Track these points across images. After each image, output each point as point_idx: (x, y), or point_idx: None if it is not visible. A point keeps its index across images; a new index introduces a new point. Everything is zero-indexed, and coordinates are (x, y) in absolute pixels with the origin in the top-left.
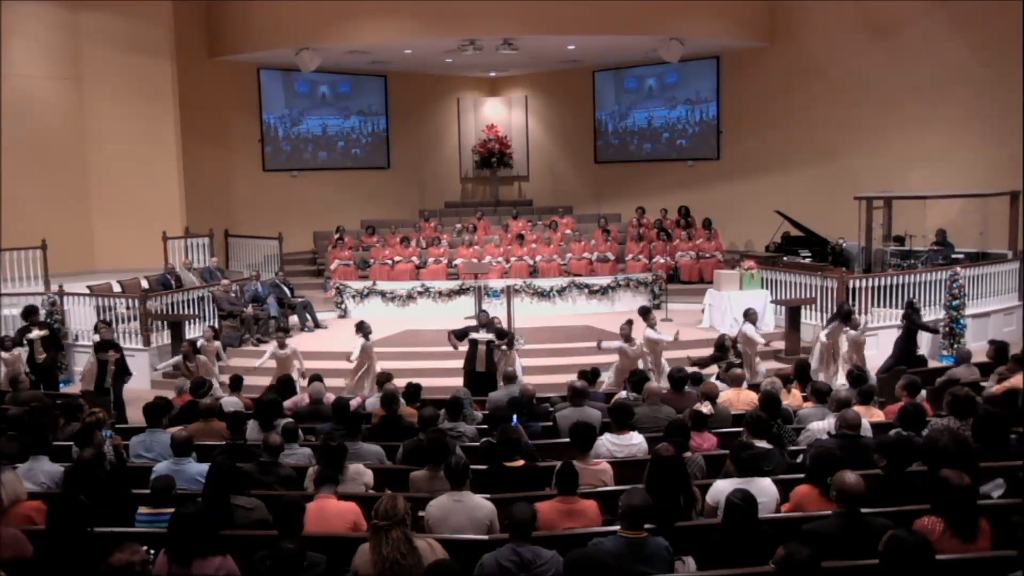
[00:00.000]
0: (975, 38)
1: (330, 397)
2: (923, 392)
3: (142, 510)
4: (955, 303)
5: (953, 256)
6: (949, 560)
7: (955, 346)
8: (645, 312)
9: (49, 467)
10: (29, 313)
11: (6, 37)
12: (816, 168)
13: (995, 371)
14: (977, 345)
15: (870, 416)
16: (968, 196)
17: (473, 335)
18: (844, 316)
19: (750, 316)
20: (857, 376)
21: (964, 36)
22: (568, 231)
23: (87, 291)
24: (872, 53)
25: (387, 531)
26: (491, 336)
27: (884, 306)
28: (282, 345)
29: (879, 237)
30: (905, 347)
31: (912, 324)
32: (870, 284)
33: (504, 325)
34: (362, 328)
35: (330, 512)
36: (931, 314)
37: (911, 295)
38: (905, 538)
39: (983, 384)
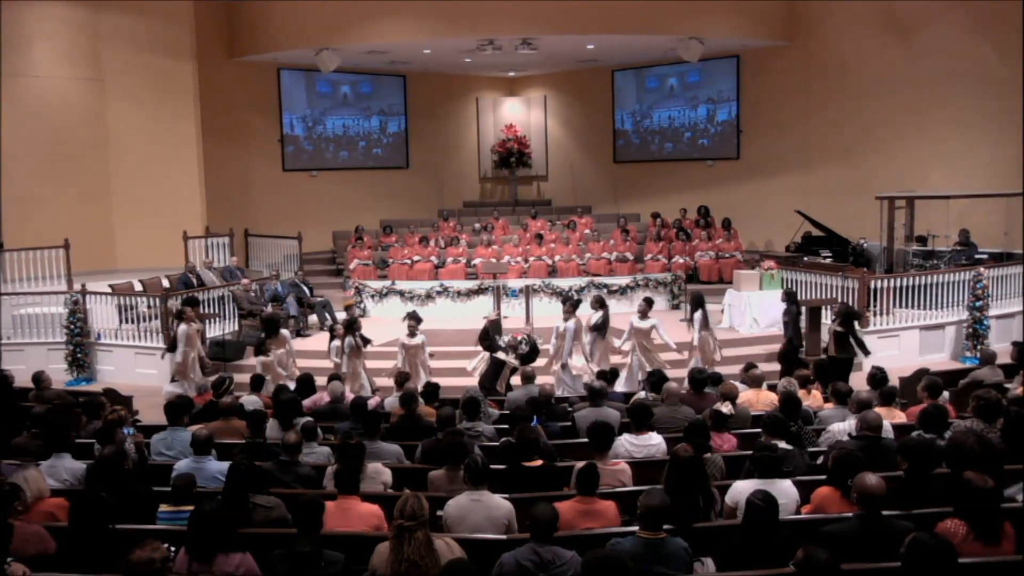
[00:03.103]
0: (995, 37)
1: (349, 396)
2: (945, 394)
3: (163, 507)
4: (979, 304)
5: (976, 256)
6: (972, 563)
7: (979, 347)
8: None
9: (71, 464)
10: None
11: (28, 38)
12: (836, 167)
13: (1019, 372)
14: (1001, 347)
15: (891, 418)
16: (991, 196)
17: (501, 356)
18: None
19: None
20: (879, 378)
21: (984, 34)
22: (587, 231)
23: (109, 290)
24: (892, 52)
25: (411, 532)
26: (517, 363)
27: (906, 307)
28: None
29: (901, 237)
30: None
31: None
32: (892, 284)
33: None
34: (411, 317)
35: (353, 513)
36: (955, 315)
37: (928, 296)
38: (928, 541)
39: (1007, 386)
